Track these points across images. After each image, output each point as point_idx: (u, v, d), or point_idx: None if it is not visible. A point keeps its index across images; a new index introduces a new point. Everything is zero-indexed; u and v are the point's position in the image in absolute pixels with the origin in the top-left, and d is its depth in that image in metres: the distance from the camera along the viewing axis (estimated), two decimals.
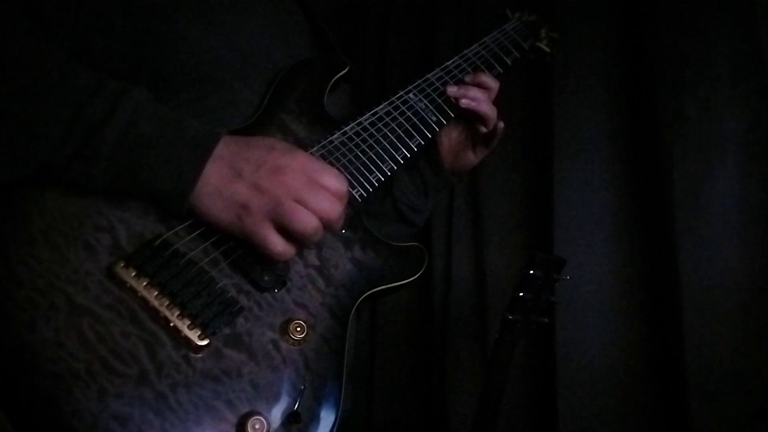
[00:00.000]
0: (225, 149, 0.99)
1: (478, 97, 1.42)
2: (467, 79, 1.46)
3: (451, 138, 1.50)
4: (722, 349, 2.10)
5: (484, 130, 1.46)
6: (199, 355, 0.94)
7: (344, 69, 1.32)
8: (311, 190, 1.00)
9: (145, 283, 0.94)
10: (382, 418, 2.52)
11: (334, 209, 1.01)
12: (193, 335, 0.94)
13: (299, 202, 0.98)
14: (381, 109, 1.32)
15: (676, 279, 2.12)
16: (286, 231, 0.99)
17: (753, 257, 2.12)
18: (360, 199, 1.20)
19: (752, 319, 2.09)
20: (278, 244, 0.99)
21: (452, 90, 1.41)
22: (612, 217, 2.31)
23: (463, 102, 1.40)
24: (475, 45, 1.54)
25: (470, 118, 1.46)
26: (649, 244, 2.24)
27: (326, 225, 1.01)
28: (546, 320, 1.73)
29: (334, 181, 1.03)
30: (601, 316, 2.27)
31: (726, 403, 2.06)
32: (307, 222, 0.98)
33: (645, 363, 2.21)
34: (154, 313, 0.94)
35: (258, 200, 0.97)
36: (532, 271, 1.66)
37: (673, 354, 2.12)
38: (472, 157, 1.52)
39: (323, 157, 1.17)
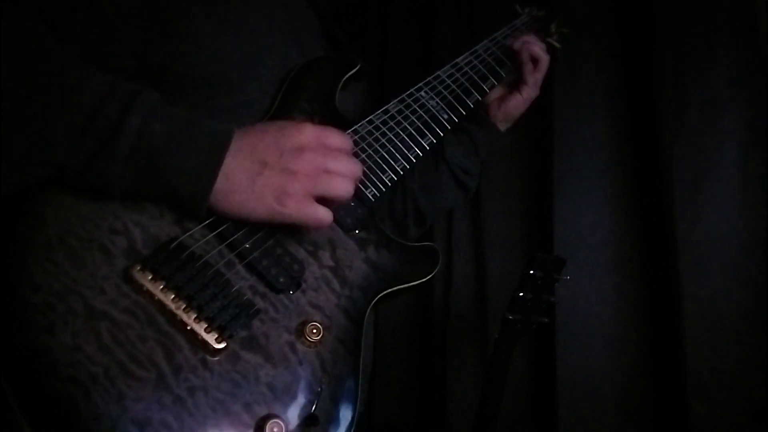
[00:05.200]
0: (240, 143, 1.00)
1: (530, 40, 1.56)
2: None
3: (496, 86, 1.56)
4: (722, 350, 2.10)
5: (530, 68, 1.57)
6: (216, 359, 0.94)
7: (355, 67, 1.32)
8: (333, 156, 1.05)
9: (161, 287, 0.94)
10: (382, 419, 2.52)
11: (355, 166, 1.08)
12: (211, 338, 0.94)
13: (328, 170, 1.03)
14: (392, 107, 1.32)
15: (677, 278, 2.12)
16: (323, 200, 1.03)
17: (753, 257, 2.12)
18: (373, 199, 1.20)
19: (752, 319, 2.09)
20: (327, 213, 1.04)
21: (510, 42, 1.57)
22: (612, 217, 2.31)
23: (517, 44, 1.54)
24: (486, 41, 1.56)
25: (519, 61, 1.56)
26: (650, 243, 2.24)
27: (354, 180, 1.08)
28: (546, 320, 1.73)
29: (340, 140, 1.08)
30: (601, 316, 2.26)
31: (726, 403, 2.06)
32: (344, 186, 1.05)
33: (645, 363, 2.21)
34: (170, 317, 0.93)
35: (295, 183, 1.00)
36: (532, 271, 1.66)
37: (673, 354, 2.12)
38: (520, 99, 1.59)
39: None
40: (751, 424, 1.93)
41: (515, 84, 1.58)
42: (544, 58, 1.58)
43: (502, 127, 1.63)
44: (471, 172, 1.64)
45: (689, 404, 2.07)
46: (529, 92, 1.58)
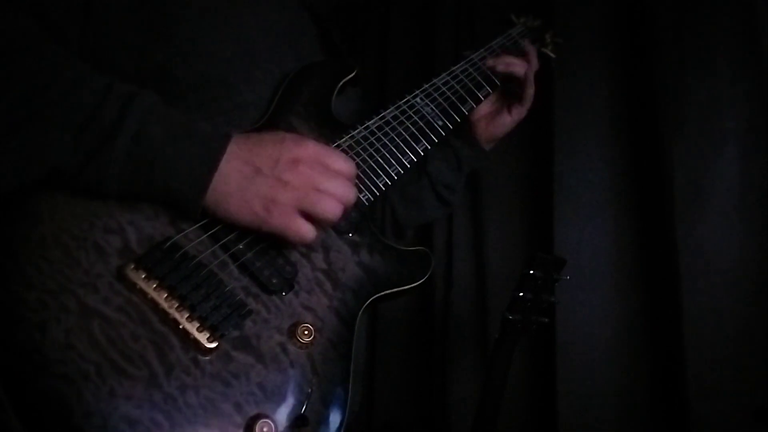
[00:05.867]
0: (237, 148, 1.00)
1: (513, 62, 1.51)
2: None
3: (485, 104, 1.54)
4: (722, 349, 2.11)
5: (518, 91, 1.54)
6: (208, 358, 0.95)
7: (352, 72, 1.33)
8: (328, 177, 1.03)
9: (154, 285, 0.94)
10: (382, 419, 2.53)
11: (350, 191, 1.06)
12: (203, 338, 0.94)
13: (320, 189, 1.02)
14: (388, 113, 1.32)
15: (677, 279, 2.12)
16: (310, 217, 1.02)
17: (753, 257, 2.12)
18: (367, 203, 1.21)
19: (752, 319, 2.09)
20: (310, 230, 1.03)
21: (490, 62, 1.51)
22: (612, 217, 2.31)
23: (500, 67, 1.49)
24: (482, 50, 1.56)
25: (505, 81, 1.53)
26: (649, 243, 2.24)
27: (346, 206, 1.05)
28: (546, 320, 1.73)
29: (343, 164, 1.06)
30: (601, 316, 2.27)
31: (726, 403, 2.06)
32: (332, 208, 1.03)
33: (645, 363, 2.22)
34: (163, 315, 0.94)
35: (285, 193, 1.00)
36: (532, 271, 1.66)
37: (673, 354, 2.13)
38: (508, 119, 1.58)
39: None
40: (751, 424, 1.93)
41: (505, 104, 1.57)
42: (531, 79, 1.54)
43: (486, 146, 1.62)
44: (453, 187, 1.63)
45: (689, 404, 2.07)
46: (520, 113, 1.57)
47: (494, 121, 1.58)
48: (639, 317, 2.24)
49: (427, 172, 1.59)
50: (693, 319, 2.10)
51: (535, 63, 1.56)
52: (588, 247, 2.30)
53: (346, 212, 1.06)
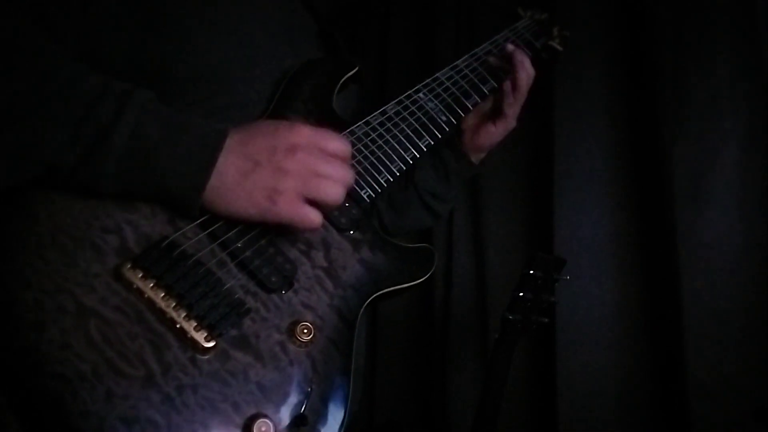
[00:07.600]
0: (232, 142, 1.00)
1: (525, 61, 1.47)
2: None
3: (471, 114, 1.50)
4: (722, 350, 2.10)
5: (508, 100, 1.48)
6: (206, 357, 0.94)
7: (353, 69, 1.31)
8: (326, 161, 1.03)
9: (152, 285, 0.94)
10: (382, 418, 2.52)
11: (349, 173, 1.07)
12: (200, 337, 0.93)
13: (320, 174, 1.02)
14: (390, 108, 1.31)
15: (676, 279, 2.12)
16: (314, 203, 1.02)
17: (753, 257, 2.12)
18: (368, 200, 1.19)
19: (752, 320, 2.09)
20: (317, 215, 1.02)
21: (510, 47, 1.48)
22: (612, 217, 2.31)
23: (509, 48, 1.47)
24: (486, 44, 1.54)
25: (501, 91, 1.48)
26: (650, 244, 2.24)
27: (346, 188, 1.06)
28: (546, 320, 1.73)
29: (338, 144, 1.07)
30: (601, 316, 2.27)
31: (726, 403, 2.06)
32: (335, 191, 1.03)
33: (645, 363, 2.22)
34: (160, 315, 0.93)
35: (286, 182, 1.00)
36: (532, 271, 1.66)
37: (673, 354, 2.13)
38: (493, 130, 1.53)
39: None
40: (751, 424, 1.93)
41: (491, 115, 1.53)
42: (524, 89, 1.48)
43: (475, 157, 1.59)
44: (440, 197, 1.61)
45: (689, 404, 2.07)
46: (505, 125, 1.52)
47: (480, 132, 1.54)
48: (639, 317, 2.24)
49: (414, 180, 1.58)
50: (693, 318, 2.10)
51: (524, 74, 1.51)
52: (588, 247, 2.29)
53: (349, 187, 1.07)
